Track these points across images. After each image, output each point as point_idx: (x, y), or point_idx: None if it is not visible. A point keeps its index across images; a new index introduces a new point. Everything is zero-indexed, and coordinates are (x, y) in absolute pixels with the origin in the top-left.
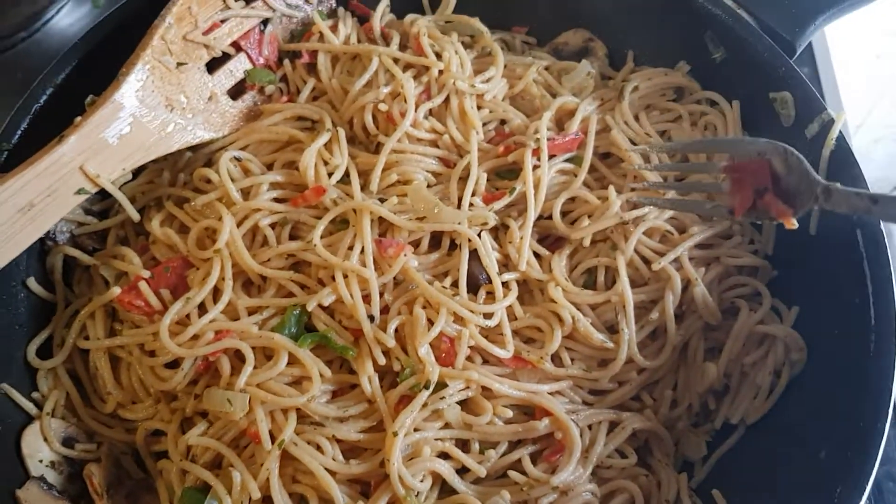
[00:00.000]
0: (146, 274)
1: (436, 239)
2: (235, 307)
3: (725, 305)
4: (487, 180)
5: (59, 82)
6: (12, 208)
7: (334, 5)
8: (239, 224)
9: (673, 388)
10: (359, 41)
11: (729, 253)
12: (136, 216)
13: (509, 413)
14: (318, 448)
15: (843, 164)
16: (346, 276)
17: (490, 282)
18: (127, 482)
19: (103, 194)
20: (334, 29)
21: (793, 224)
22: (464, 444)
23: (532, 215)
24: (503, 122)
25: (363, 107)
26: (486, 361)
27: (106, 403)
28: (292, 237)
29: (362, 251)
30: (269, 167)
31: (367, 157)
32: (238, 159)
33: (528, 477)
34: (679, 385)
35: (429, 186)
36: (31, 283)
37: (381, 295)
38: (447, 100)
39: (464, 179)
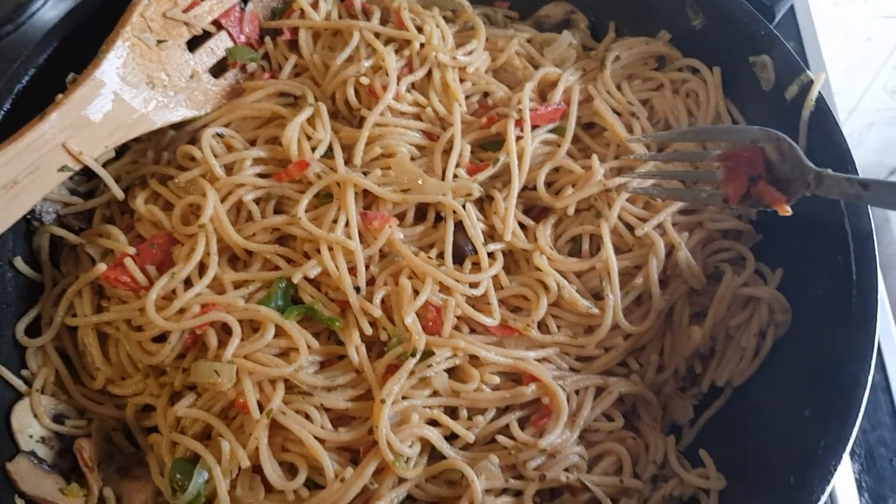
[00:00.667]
0: (131, 250)
1: (421, 212)
2: (221, 281)
3: (710, 270)
4: (471, 152)
5: (41, 63)
6: None
7: None
8: (223, 199)
9: (659, 353)
10: (339, 17)
11: (712, 218)
12: (120, 194)
13: (496, 380)
14: (307, 417)
15: (823, 125)
16: (331, 249)
17: (476, 252)
18: (117, 457)
19: (89, 175)
20: (315, 5)
21: (786, 211)
22: (452, 412)
23: (516, 186)
24: (486, 94)
25: (345, 81)
26: (473, 330)
27: (95, 380)
28: (277, 212)
29: (347, 224)
30: (252, 143)
31: (350, 132)
32: (221, 136)
33: (516, 441)
34: (665, 350)
35: (413, 160)
36: (19, 262)
37: (367, 267)
38: (429, 73)
39: (447, 152)
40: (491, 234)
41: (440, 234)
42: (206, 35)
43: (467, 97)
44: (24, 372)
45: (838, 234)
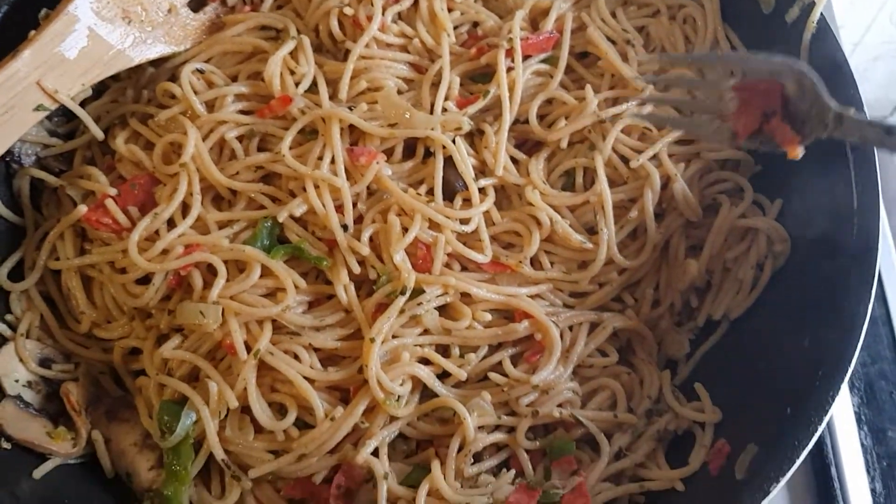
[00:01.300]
0: (112, 191)
1: (410, 147)
2: (205, 222)
3: (707, 202)
4: (461, 84)
5: (13, 1)
6: None
7: None
8: (204, 137)
9: (654, 288)
10: None
11: (710, 147)
12: (99, 134)
13: (488, 317)
14: (296, 357)
15: (825, 47)
16: (317, 187)
17: (467, 188)
18: (105, 400)
19: (68, 116)
20: None
21: (797, 153)
22: (444, 350)
23: (507, 118)
24: (476, 24)
25: (328, 12)
26: (464, 268)
27: (80, 323)
28: (260, 149)
29: (333, 161)
30: (234, 79)
31: (334, 65)
32: (201, 72)
33: (509, 378)
34: (661, 284)
35: (400, 93)
36: None
37: (355, 205)
38: (416, 2)
39: (436, 85)
40: (482, 170)
41: (429, 170)
42: None
43: (456, 27)
44: (8, 317)
45: (839, 163)
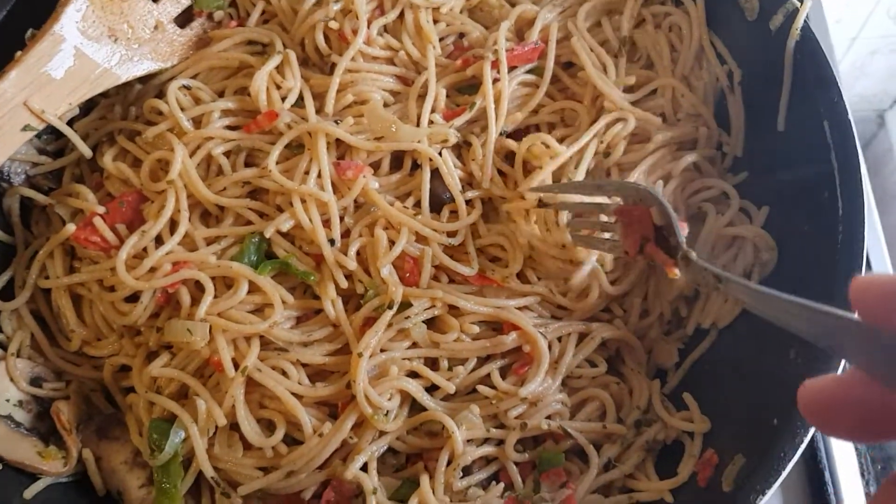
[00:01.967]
0: (100, 209)
1: (397, 160)
2: (193, 238)
3: (692, 211)
4: (447, 96)
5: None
6: None
7: None
8: (191, 154)
9: (643, 298)
10: None
11: (675, 164)
12: (87, 152)
13: (476, 329)
14: (284, 373)
15: (810, 54)
16: (303, 201)
17: (454, 200)
18: (96, 417)
19: (57, 134)
20: None
21: (675, 274)
22: (432, 363)
23: (493, 130)
24: (462, 35)
25: (314, 26)
26: (452, 280)
27: (71, 341)
28: (248, 164)
29: (319, 175)
30: (221, 94)
31: (320, 79)
32: (188, 88)
33: (497, 390)
34: (649, 294)
35: (386, 106)
36: None
37: (342, 219)
38: (402, 15)
39: (423, 97)
40: (469, 182)
41: (417, 182)
42: None
43: (442, 39)
44: None
45: (824, 169)
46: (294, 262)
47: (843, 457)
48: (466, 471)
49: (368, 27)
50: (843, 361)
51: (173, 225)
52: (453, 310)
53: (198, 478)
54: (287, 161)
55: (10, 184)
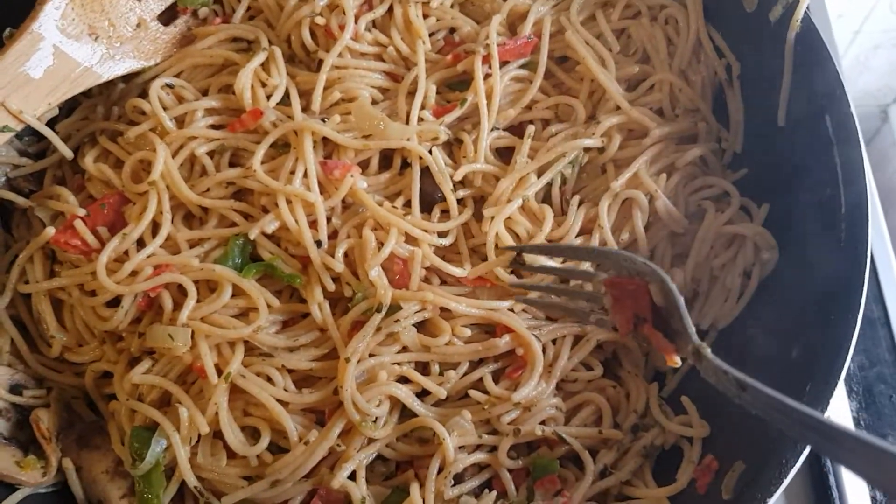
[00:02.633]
0: (81, 212)
1: (386, 159)
2: (176, 241)
3: (692, 209)
4: (438, 92)
5: None
6: None
7: None
8: (174, 154)
9: None
10: None
11: (682, 157)
12: (68, 154)
13: (468, 332)
14: (269, 379)
15: (810, 46)
16: (289, 202)
17: (445, 199)
18: (78, 425)
19: (38, 135)
20: None
21: (675, 362)
22: (423, 367)
23: (486, 127)
24: (452, 30)
25: (300, 22)
26: (443, 282)
27: (51, 347)
28: (232, 165)
29: (306, 174)
30: (205, 93)
31: (307, 76)
32: (171, 86)
33: (490, 395)
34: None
35: (375, 103)
36: None
37: (329, 219)
38: (391, 9)
39: (412, 94)
40: (461, 180)
41: (407, 182)
42: None
43: (432, 34)
44: None
45: (827, 166)
46: (279, 265)
47: None
48: (458, 478)
49: (356, 22)
50: (843, 369)
51: (155, 227)
52: (444, 312)
53: (181, 487)
54: (272, 161)
55: None
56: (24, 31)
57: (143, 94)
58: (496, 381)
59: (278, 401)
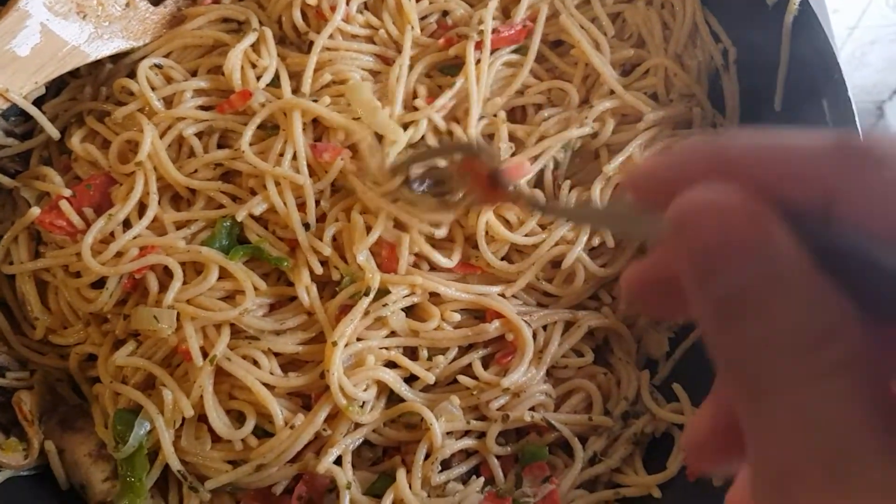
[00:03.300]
0: (67, 192)
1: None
2: (162, 222)
3: None
4: (428, 76)
5: None
6: None
7: None
8: (162, 135)
9: None
10: None
11: (679, 137)
12: (55, 133)
13: (458, 317)
14: (255, 363)
15: (808, 30)
16: (278, 184)
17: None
18: (61, 408)
19: (25, 115)
20: None
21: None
22: (412, 352)
23: (475, 113)
24: (445, 13)
25: (291, 2)
26: (433, 268)
27: (35, 329)
28: (221, 146)
29: (295, 157)
30: (194, 74)
31: (298, 57)
32: (159, 66)
33: (479, 381)
34: None
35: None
36: None
37: (318, 203)
38: None
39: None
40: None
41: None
42: None
43: (424, 17)
44: None
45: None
46: (267, 248)
47: None
48: (445, 464)
49: (347, 4)
50: None
51: (142, 208)
52: (434, 297)
53: (164, 471)
54: (261, 143)
55: None
56: (10, 9)
57: (132, 75)
58: (485, 366)
59: (264, 384)
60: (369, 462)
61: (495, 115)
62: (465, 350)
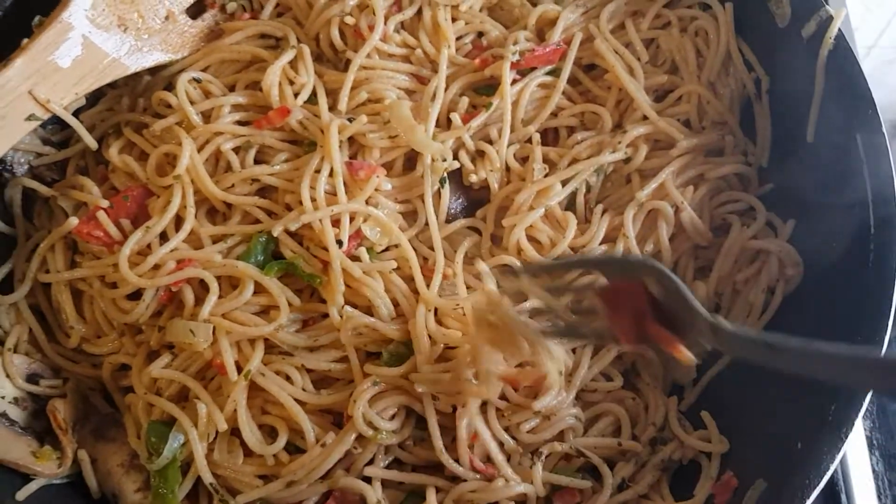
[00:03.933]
0: (105, 203)
1: (410, 160)
2: (199, 236)
3: (717, 222)
4: (461, 95)
5: (6, 5)
6: None
7: None
8: (200, 149)
9: None
10: None
11: (711, 166)
12: (93, 144)
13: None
14: (288, 378)
15: (843, 64)
16: (313, 200)
17: (463, 208)
18: (94, 417)
19: (62, 124)
20: None
21: (684, 357)
22: None
23: (507, 133)
24: (480, 34)
25: (329, 21)
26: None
27: (70, 338)
28: (257, 161)
29: (331, 174)
30: (232, 88)
31: (334, 75)
32: (198, 81)
33: (510, 402)
34: None
35: None
36: None
37: (352, 219)
38: (419, 11)
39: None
40: (485, 185)
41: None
42: None
43: (460, 37)
44: None
45: (857, 185)
46: (301, 264)
47: (861, 479)
48: None
49: (385, 23)
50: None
51: (179, 221)
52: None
53: (196, 483)
54: (298, 159)
55: (13, 174)
56: (53, 20)
57: (169, 87)
58: (516, 388)
59: (296, 401)
60: (398, 480)
61: (528, 141)
62: None
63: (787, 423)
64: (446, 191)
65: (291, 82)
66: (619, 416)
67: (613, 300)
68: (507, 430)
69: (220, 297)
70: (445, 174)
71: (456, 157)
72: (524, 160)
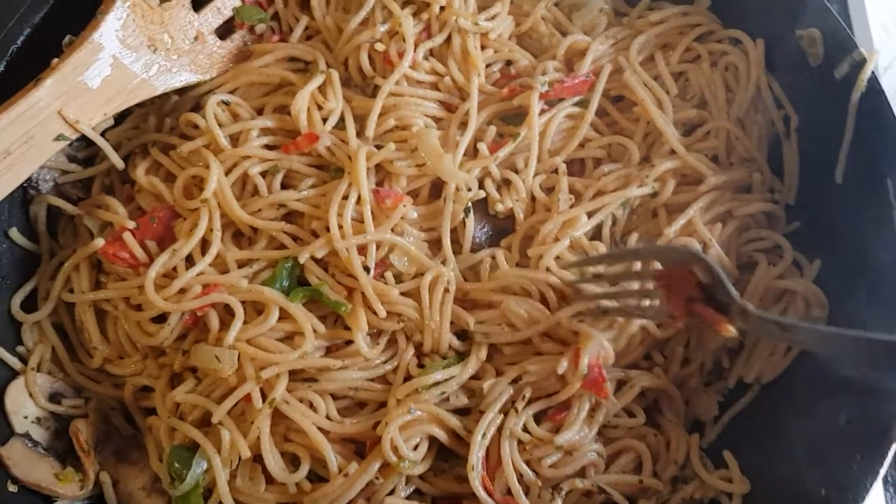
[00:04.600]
0: (131, 224)
1: (436, 188)
2: (224, 259)
3: (743, 259)
4: (489, 124)
5: (37, 22)
6: None
7: None
8: (227, 172)
9: (685, 346)
10: None
11: (739, 203)
12: (119, 164)
13: (513, 374)
14: (311, 405)
15: (875, 107)
16: (340, 227)
17: (487, 237)
18: (115, 438)
19: (88, 141)
20: None
21: (730, 332)
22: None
23: (533, 163)
24: (509, 62)
25: (359, 46)
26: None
27: (93, 358)
28: (284, 186)
29: (358, 201)
30: (260, 112)
31: (363, 101)
32: (226, 103)
33: (532, 436)
34: (691, 342)
35: None
36: (14, 233)
37: (378, 247)
38: (449, 39)
39: (465, 125)
40: (510, 215)
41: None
42: None
43: (489, 65)
44: (19, 348)
45: (886, 229)
46: (326, 291)
47: None
48: None
49: (414, 50)
50: None
51: (205, 245)
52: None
53: None
54: (325, 185)
55: (39, 191)
56: (84, 41)
57: (197, 108)
58: (538, 422)
59: (320, 429)
60: None
61: (554, 172)
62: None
63: (811, 468)
64: (471, 220)
65: (320, 107)
66: (641, 452)
67: (669, 283)
68: (528, 463)
69: (244, 322)
70: (470, 203)
71: (481, 186)
72: (550, 190)
